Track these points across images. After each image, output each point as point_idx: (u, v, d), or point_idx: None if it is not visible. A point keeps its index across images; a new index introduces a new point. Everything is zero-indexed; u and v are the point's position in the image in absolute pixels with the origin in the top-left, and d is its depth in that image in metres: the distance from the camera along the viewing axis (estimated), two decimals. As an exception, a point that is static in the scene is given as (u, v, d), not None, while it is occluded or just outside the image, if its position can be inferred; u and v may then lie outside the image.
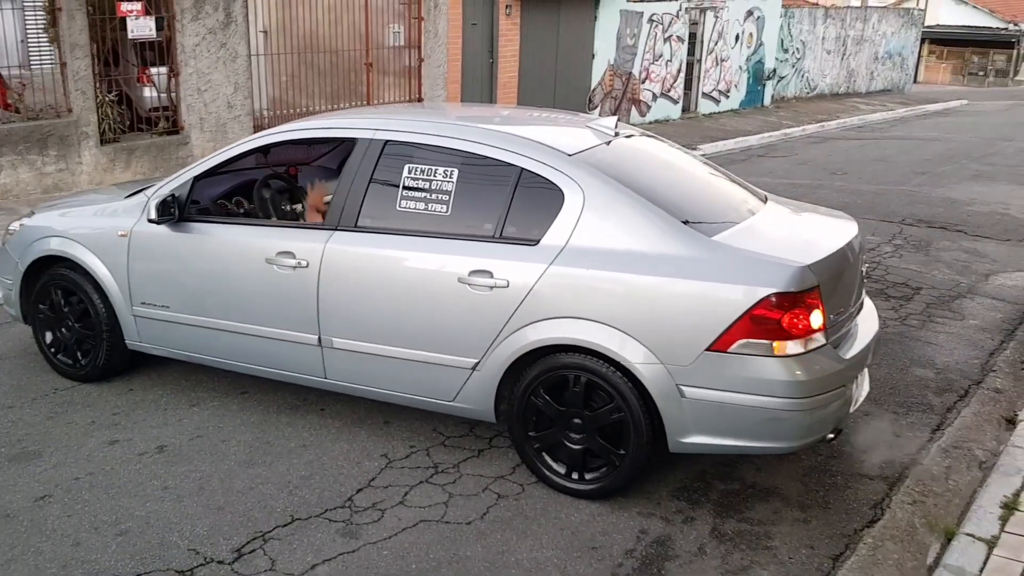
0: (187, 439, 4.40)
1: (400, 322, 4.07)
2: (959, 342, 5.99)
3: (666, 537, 3.68)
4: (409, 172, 4.11)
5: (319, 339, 4.29)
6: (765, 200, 4.46)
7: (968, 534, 3.69)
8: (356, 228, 4.19)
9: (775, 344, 3.42)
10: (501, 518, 3.78)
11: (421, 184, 4.07)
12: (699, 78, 19.28)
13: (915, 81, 31.64)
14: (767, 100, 21.89)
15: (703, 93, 19.54)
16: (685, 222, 3.72)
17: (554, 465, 3.93)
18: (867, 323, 4.21)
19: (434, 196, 4.04)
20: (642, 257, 3.61)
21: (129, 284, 4.71)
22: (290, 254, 4.27)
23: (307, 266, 4.23)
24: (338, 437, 4.45)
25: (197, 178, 4.66)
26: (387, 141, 4.23)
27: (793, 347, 3.45)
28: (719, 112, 19.98)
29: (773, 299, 3.40)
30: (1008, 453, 4.40)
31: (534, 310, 3.74)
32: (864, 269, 4.29)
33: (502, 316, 3.81)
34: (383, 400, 4.38)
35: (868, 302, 4.45)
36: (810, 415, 3.52)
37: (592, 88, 16.49)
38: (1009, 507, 3.87)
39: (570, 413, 3.80)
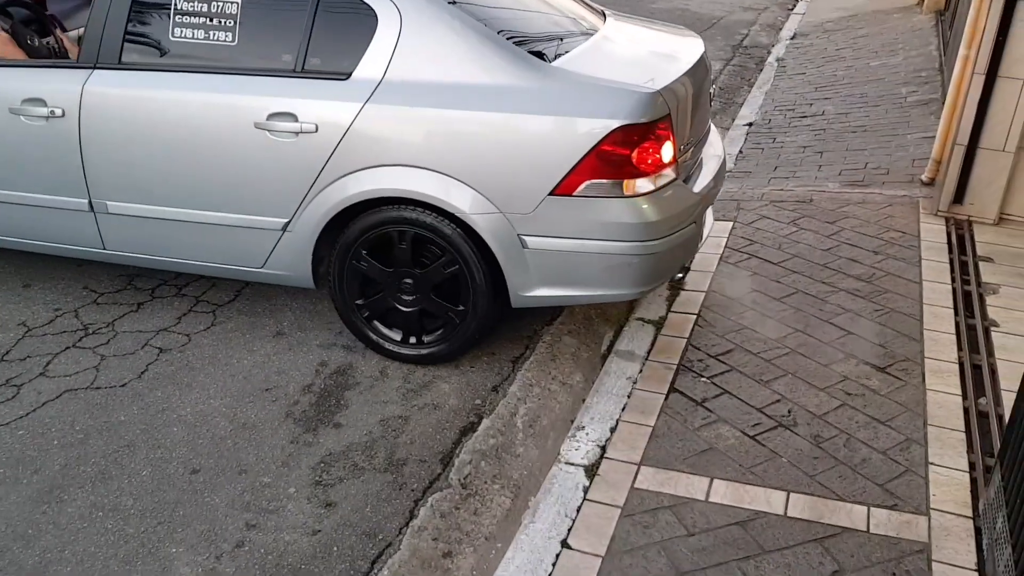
0: None
1: (186, 180, 3.38)
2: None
3: (347, 366, 3.49)
4: None
5: (90, 203, 3.55)
6: (604, 17, 3.98)
7: (638, 319, 3.84)
8: (120, 65, 3.38)
9: (624, 183, 3.06)
10: (163, 374, 3.40)
11: (198, 7, 3.29)
12: None
13: None
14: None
15: None
16: (519, 45, 3.20)
17: (388, 332, 3.51)
18: (712, 151, 3.86)
19: (216, 22, 3.28)
20: (473, 90, 3.08)
21: None
22: (40, 101, 3.44)
23: (63, 115, 3.41)
24: (-39, 310, 3.78)
25: None
26: None
27: (643, 185, 3.09)
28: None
29: (621, 132, 3.00)
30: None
31: (351, 158, 3.18)
32: (713, 91, 3.91)
33: (313, 167, 3.22)
34: (179, 271, 3.75)
35: (712, 128, 4.08)
36: (661, 257, 3.23)
37: None
38: (674, 288, 4.05)
39: (399, 274, 3.36)
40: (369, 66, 3.17)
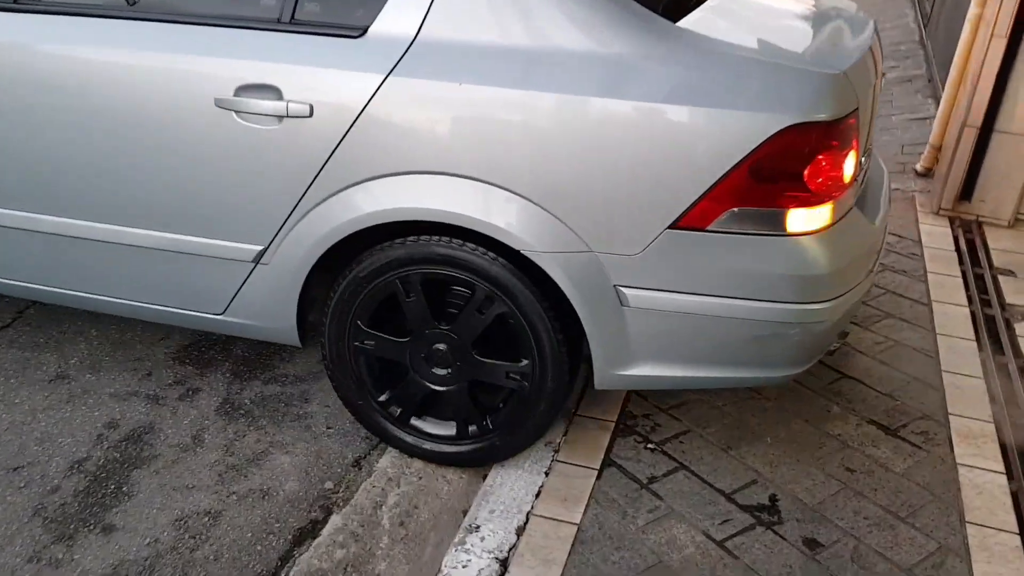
0: None
1: (106, 181, 2.25)
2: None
3: (146, 428, 2.45)
4: None
5: None
6: None
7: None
8: (14, 4, 2.22)
9: (788, 214, 1.96)
10: None
11: None
12: None
13: None
14: None
15: None
16: None
17: (438, 430, 2.38)
18: (874, 162, 2.74)
19: None
20: (559, 59, 1.94)
21: None
22: None
23: None
24: None
25: None
26: None
27: (815, 217, 1.98)
28: None
29: (792, 135, 1.88)
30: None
31: (363, 159, 2.06)
32: (882, 80, 2.71)
33: (303, 170, 2.10)
34: (95, 310, 2.54)
35: None
36: (829, 327, 2.14)
37: None
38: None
39: (429, 338, 2.25)
40: (395, 18, 2.02)
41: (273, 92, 2.04)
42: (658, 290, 2.05)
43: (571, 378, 2.24)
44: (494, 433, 2.32)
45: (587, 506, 2.24)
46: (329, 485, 2.30)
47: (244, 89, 2.06)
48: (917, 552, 2.11)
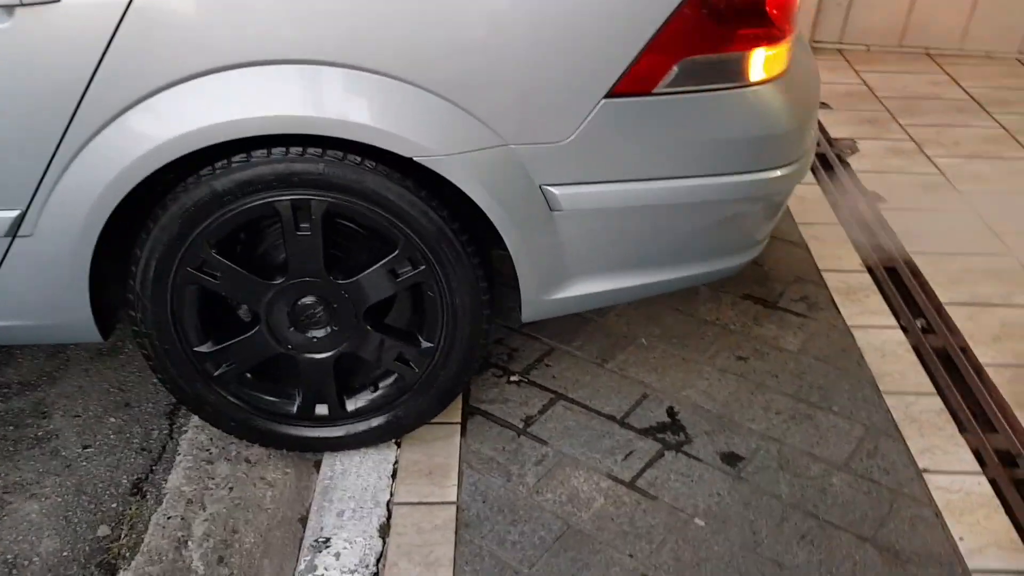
0: None
1: None
2: None
3: None
4: None
5: None
6: None
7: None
8: None
9: (749, 57, 1.50)
10: None
11: None
12: None
13: None
14: None
15: None
16: None
17: (276, 402, 1.74)
18: None
19: None
20: None
21: None
22: None
23: None
24: None
25: None
26: None
27: (776, 59, 1.54)
28: None
29: None
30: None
31: (152, 58, 1.36)
32: None
33: (59, 88, 1.37)
34: None
35: None
36: (791, 189, 1.76)
37: None
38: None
39: (293, 289, 1.61)
40: None
41: None
42: (597, 183, 1.56)
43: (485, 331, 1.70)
44: (356, 417, 1.77)
45: (460, 475, 1.76)
46: (105, 531, 1.64)
47: None
48: (846, 442, 1.82)
